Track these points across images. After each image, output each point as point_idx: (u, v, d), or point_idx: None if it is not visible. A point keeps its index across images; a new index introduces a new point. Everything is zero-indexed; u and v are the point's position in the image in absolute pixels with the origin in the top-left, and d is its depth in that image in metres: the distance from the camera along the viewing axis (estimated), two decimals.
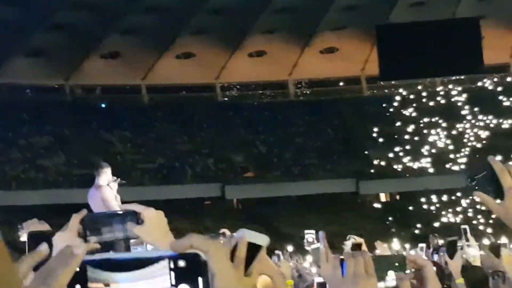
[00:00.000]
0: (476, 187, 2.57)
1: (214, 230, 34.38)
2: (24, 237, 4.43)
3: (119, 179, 12.29)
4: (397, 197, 38.95)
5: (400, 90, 42.41)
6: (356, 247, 6.46)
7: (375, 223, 35.47)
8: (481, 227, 32.91)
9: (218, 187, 36.82)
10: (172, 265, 1.24)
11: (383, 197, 39.49)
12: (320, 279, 5.08)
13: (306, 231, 7.83)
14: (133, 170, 35.22)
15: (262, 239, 2.24)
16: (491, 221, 32.02)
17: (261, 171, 38.22)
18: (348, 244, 7.59)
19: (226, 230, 9.58)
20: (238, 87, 45.20)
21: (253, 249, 2.19)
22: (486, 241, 13.25)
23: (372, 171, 38.18)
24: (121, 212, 2.96)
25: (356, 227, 34.62)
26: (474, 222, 34.36)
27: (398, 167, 38.27)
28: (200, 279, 1.31)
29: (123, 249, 2.82)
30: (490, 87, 42.52)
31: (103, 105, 41.82)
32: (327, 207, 35.84)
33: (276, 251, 7.92)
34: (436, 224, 33.98)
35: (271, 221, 35.47)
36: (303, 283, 7.01)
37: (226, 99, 44.28)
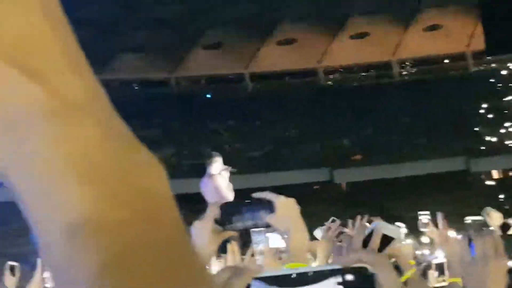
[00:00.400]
0: None
1: (324, 214, 34.45)
2: None
3: (230, 167, 12.47)
4: (510, 173, 38.07)
5: (508, 64, 41.38)
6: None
7: (488, 201, 34.61)
8: None
9: (327, 171, 36.79)
10: (340, 280, 1.28)
11: (495, 174, 38.67)
12: (438, 260, 5.03)
13: (420, 212, 7.75)
14: (241, 158, 35.53)
15: (396, 233, 2.26)
16: None
17: (369, 153, 37.97)
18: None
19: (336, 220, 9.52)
20: (341, 70, 44.98)
21: (385, 240, 2.22)
22: None
23: (482, 148, 37.43)
24: (255, 201, 3.00)
25: (468, 206, 34.06)
26: None
27: (509, 142, 37.39)
28: None
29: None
30: None
31: (208, 96, 42.32)
32: (437, 187, 35.35)
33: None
34: None
35: (381, 204, 35.23)
36: (418, 265, 6.95)
37: (329, 83, 44.13)
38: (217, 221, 3.01)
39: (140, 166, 0.69)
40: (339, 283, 1.23)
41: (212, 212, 3.01)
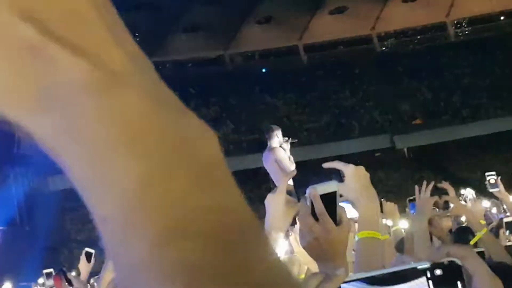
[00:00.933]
0: None
1: (388, 181, 34.37)
2: None
3: (290, 139, 12.46)
4: None
5: None
6: None
7: None
8: None
9: (387, 138, 36.59)
10: (429, 275, 1.27)
11: None
12: (509, 219, 4.98)
13: (487, 173, 7.64)
14: (300, 130, 35.52)
15: (332, 186, 2.25)
16: None
17: (429, 117, 37.61)
18: None
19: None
20: (395, 35, 44.55)
21: (329, 199, 2.21)
22: None
23: None
24: (325, 171, 2.99)
25: None
26: None
27: None
28: (459, 284, 1.34)
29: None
30: None
31: (263, 70, 42.33)
32: (502, 147, 34.90)
33: (462, 191, 7.75)
34: None
35: (445, 167, 34.94)
36: (488, 225, 6.90)
37: (384, 49, 43.76)
38: (290, 193, 3.03)
39: (192, 134, 0.67)
40: (428, 278, 1.22)
41: (284, 184, 3.01)
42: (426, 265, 1.29)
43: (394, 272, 1.24)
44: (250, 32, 42.19)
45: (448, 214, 5.60)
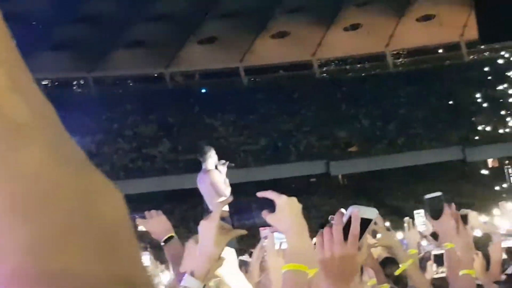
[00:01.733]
0: None
1: (322, 207, 34.52)
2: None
3: (227, 162, 12.39)
4: (506, 161, 38.10)
5: (502, 53, 41.37)
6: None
7: (485, 190, 34.83)
8: None
9: (323, 163, 36.79)
10: None
11: (491, 163, 38.71)
12: (438, 251, 5.02)
13: (415, 212, 7.73)
14: (237, 152, 35.53)
15: (372, 213, 2.26)
16: None
17: (365, 145, 37.98)
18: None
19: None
20: (335, 62, 45.00)
21: (364, 223, 2.23)
22: None
23: (478, 137, 37.45)
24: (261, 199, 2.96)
25: (465, 195, 34.09)
26: None
27: (505, 131, 37.41)
28: None
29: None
30: None
31: (203, 90, 42.29)
32: (435, 177, 35.37)
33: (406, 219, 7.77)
34: None
35: (379, 195, 35.26)
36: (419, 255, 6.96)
37: (324, 75, 44.13)
38: (224, 220, 2.99)
39: (94, 192, 0.62)
40: None
41: (218, 211, 2.97)
42: None
43: None
44: (192, 51, 42.14)
45: (376, 244, 5.64)
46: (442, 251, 4.86)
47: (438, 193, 4.77)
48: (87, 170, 0.63)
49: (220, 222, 2.96)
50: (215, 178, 11.99)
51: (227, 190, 12.02)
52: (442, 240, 4.80)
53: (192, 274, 2.96)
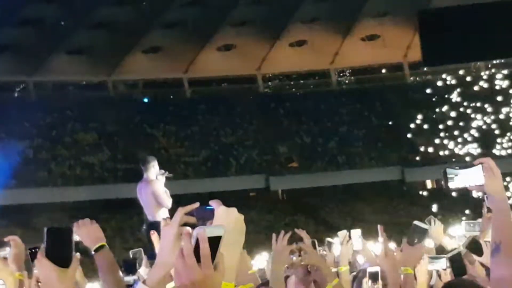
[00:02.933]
0: None
1: (260, 222, 34.49)
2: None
3: (166, 172, 12.28)
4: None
5: (444, 76, 41.94)
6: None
7: (422, 210, 35.13)
8: None
9: (263, 178, 36.80)
10: None
11: (429, 184, 39.16)
12: (373, 269, 4.94)
13: (352, 231, 7.67)
14: (177, 163, 35.35)
15: (219, 231, 2.19)
16: None
17: (306, 161, 38.12)
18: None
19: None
20: (280, 77, 45.16)
21: (213, 243, 2.16)
22: None
23: (417, 158, 37.87)
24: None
25: (403, 215, 34.41)
26: None
27: (443, 153, 37.88)
28: None
29: None
30: None
31: (146, 100, 42.03)
32: (373, 196, 35.67)
33: (328, 239, 7.72)
34: (484, 210, 33.44)
35: (317, 212, 35.39)
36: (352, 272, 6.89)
37: (268, 90, 44.21)
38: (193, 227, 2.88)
39: None
40: None
41: (178, 217, 2.86)
42: None
43: None
44: (136, 61, 41.83)
45: (302, 262, 5.57)
46: (377, 269, 4.82)
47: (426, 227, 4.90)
48: None
49: (180, 228, 2.87)
50: (157, 188, 11.86)
51: (169, 201, 11.90)
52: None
53: (144, 281, 2.89)
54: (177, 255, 2.16)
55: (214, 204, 2.71)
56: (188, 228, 2.64)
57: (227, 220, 2.59)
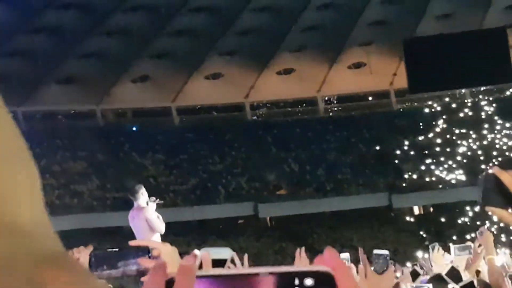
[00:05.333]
0: (485, 202, 2.47)
1: (249, 249, 34.54)
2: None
3: (157, 199, 12.45)
4: (431, 209, 38.80)
5: (430, 103, 42.32)
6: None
7: (410, 236, 35.38)
8: None
9: (251, 205, 36.92)
10: (297, 283, 0.99)
11: (416, 210, 39.37)
12: None
13: (341, 255, 7.86)
14: (166, 191, 35.44)
15: (225, 253, 2.29)
16: None
17: (294, 188, 38.27)
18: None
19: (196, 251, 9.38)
20: (267, 105, 45.42)
21: (218, 265, 2.23)
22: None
23: (404, 184, 38.11)
24: (132, 248, 2.93)
25: (390, 241, 34.59)
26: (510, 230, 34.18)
27: (430, 179, 38.15)
28: None
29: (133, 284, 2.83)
30: None
31: (134, 129, 42.18)
32: (361, 222, 35.81)
33: None
34: (472, 235, 33.70)
35: (306, 238, 35.47)
36: None
37: (256, 117, 44.44)
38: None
39: None
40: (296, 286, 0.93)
41: (80, 260, 2.88)
42: (295, 270, 0.96)
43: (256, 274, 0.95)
44: (125, 89, 42.06)
45: None
46: None
47: (386, 252, 4.94)
48: None
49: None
50: (150, 214, 12.04)
51: (162, 225, 12.08)
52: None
53: None
54: (177, 279, 2.20)
55: (153, 244, 2.82)
56: (196, 251, 2.64)
57: (172, 256, 2.69)
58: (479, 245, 7.12)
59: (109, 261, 3.01)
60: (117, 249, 3.16)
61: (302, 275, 0.97)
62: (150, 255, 2.81)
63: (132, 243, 2.96)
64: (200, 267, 2.11)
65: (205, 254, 2.22)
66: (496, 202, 2.45)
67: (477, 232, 7.15)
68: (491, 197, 2.45)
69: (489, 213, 2.56)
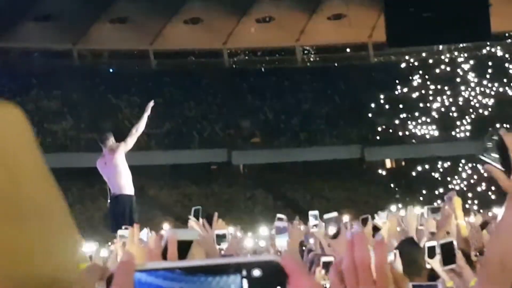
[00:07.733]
0: (485, 156, 2.56)
1: (221, 195, 34.78)
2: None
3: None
4: (403, 163, 39.14)
5: (407, 57, 42.41)
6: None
7: (381, 189, 35.74)
8: (485, 194, 33.17)
9: (225, 152, 37.04)
10: (245, 274, 1.03)
11: (388, 163, 39.69)
12: (327, 259, 5.08)
13: (310, 212, 7.91)
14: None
15: (192, 235, 2.32)
16: (493, 188, 32.15)
17: (268, 137, 38.40)
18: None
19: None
20: (245, 52, 45.29)
21: (183, 247, 2.24)
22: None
23: (377, 137, 38.34)
24: None
25: (361, 193, 34.95)
26: (479, 189, 34.62)
27: (404, 133, 38.41)
28: None
29: None
30: (498, 54, 42.42)
31: (111, 70, 41.97)
32: (333, 173, 36.06)
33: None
34: (441, 190, 34.13)
35: (277, 187, 35.75)
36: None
37: (233, 65, 44.34)
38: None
39: None
40: (242, 277, 0.93)
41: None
42: (242, 260, 1.03)
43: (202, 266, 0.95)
44: (102, 30, 41.73)
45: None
46: (331, 259, 4.95)
47: (335, 214, 4.95)
48: None
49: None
50: (120, 146, 12.37)
51: (127, 170, 12.25)
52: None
53: None
54: (146, 257, 2.19)
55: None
56: (163, 231, 2.57)
57: None
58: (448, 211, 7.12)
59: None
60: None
61: (250, 265, 1.00)
62: None
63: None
64: (166, 248, 2.15)
65: (172, 235, 2.23)
66: (494, 160, 2.55)
67: (445, 197, 7.23)
68: (491, 155, 2.55)
69: (487, 170, 2.61)
